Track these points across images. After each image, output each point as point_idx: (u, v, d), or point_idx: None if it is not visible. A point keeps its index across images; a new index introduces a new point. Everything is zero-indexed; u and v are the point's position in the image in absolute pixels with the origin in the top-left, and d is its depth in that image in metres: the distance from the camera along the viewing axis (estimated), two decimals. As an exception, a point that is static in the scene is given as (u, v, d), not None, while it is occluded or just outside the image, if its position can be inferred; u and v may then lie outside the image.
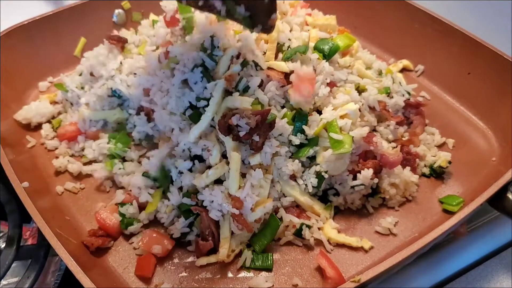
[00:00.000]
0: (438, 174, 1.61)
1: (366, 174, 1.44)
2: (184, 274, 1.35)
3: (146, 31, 1.87)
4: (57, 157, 1.64)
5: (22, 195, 1.29)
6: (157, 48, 1.65)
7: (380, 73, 1.74)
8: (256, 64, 1.45)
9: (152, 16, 1.96)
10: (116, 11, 2.13)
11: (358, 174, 1.46)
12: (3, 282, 1.38)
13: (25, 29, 1.88)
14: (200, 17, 1.52)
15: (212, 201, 1.36)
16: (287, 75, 1.46)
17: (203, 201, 1.39)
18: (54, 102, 1.87)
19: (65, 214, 1.46)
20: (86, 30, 2.06)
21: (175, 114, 1.48)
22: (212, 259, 1.37)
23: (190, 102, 1.46)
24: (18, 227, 1.43)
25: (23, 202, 1.28)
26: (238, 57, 1.47)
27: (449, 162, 1.61)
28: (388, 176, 1.52)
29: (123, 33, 1.95)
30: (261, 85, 1.47)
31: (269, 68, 1.46)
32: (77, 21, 2.03)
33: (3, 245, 1.41)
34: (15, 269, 1.40)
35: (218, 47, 1.47)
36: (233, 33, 1.48)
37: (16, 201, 1.30)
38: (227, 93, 1.43)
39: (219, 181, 1.42)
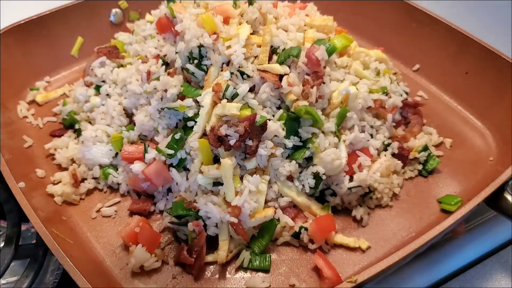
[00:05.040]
0: (429, 168, 1.63)
1: (363, 175, 1.45)
2: (180, 274, 1.35)
3: (142, 31, 1.86)
4: (53, 158, 1.64)
5: (18, 195, 1.30)
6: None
7: (378, 73, 1.74)
8: (243, 73, 1.45)
9: (149, 17, 1.96)
10: (113, 10, 2.14)
11: (354, 176, 1.46)
12: (2, 281, 1.38)
13: (22, 28, 1.88)
14: (190, 23, 1.53)
15: (210, 217, 1.37)
16: (281, 77, 1.46)
17: (199, 210, 1.38)
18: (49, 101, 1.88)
19: (62, 214, 1.46)
20: (83, 30, 2.07)
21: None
22: (209, 258, 1.37)
23: (179, 119, 1.52)
24: (17, 226, 1.43)
25: (19, 202, 1.28)
26: (228, 64, 1.47)
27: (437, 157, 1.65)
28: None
29: (120, 34, 1.95)
30: (253, 89, 1.47)
31: (263, 71, 1.46)
32: (74, 21, 2.03)
33: (1, 244, 1.41)
34: (14, 268, 1.41)
35: (206, 56, 1.49)
36: (222, 40, 1.48)
37: (14, 200, 1.30)
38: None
39: (216, 185, 1.42)
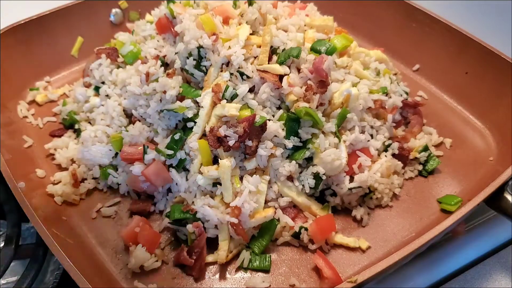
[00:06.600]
0: (429, 168, 1.63)
1: (364, 176, 1.45)
2: (180, 274, 1.35)
3: (142, 31, 1.86)
4: (53, 158, 1.64)
5: (18, 195, 1.30)
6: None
7: (378, 73, 1.74)
8: (242, 74, 1.45)
9: (148, 17, 1.96)
10: (113, 10, 2.14)
11: (355, 176, 1.46)
12: (2, 281, 1.38)
13: (22, 28, 1.88)
14: (189, 23, 1.53)
15: (208, 220, 1.36)
16: (281, 77, 1.46)
17: (196, 212, 1.38)
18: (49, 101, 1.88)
19: (62, 214, 1.46)
20: (83, 30, 2.07)
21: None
22: (209, 258, 1.37)
23: (179, 120, 1.52)
24: (17, 226, 1.43)
25: (19, 202, 1.28)
26: (227, 64, 1.47)
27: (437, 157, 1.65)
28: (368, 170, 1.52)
29: (120, 34, 1.95)
30: (253, 90, 1.47)
31: (263, 71, 1.46)
32: (74, 21, 2.03)
33: (1, 244, 1.41)
34: (14, 268, 1.40)
35: (205, 57, 1.49)
36: (222, 41, 1.48)
37: (14, 200, 1.30)
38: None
39: (216, 185, 1.42)
